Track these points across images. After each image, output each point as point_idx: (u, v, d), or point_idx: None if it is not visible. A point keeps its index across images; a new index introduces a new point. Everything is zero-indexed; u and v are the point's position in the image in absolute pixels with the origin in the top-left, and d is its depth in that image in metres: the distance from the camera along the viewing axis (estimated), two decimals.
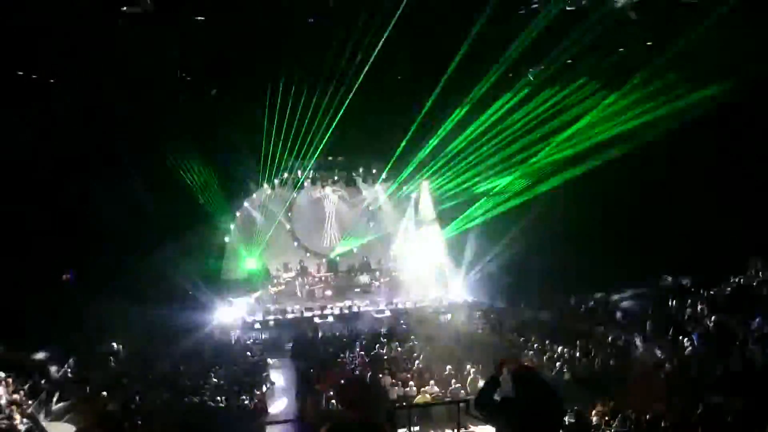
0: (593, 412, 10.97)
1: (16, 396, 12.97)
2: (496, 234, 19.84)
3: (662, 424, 9.82)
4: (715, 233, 16.32)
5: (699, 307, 15.98)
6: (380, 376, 13.58)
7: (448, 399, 12.19)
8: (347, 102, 16.51)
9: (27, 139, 15.29)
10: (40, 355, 15.19)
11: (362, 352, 15.46)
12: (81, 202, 16.63)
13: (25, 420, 12.03)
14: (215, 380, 13.90)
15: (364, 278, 22.48)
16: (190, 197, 19.02)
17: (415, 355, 15.11)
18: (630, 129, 17.29)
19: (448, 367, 14.16)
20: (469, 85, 16.59)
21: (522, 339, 15.80)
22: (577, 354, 14.36)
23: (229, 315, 19.58)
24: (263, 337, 18.65)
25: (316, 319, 19.32)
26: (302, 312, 19.68)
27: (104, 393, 13.13)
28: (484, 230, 20.55)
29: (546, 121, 17.88)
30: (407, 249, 23.50)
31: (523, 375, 3.64)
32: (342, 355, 15.31)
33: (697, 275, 17.39)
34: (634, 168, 17.36)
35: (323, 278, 22.33)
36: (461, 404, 9.88)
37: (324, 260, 23.22)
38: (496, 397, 3.75)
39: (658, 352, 14.34)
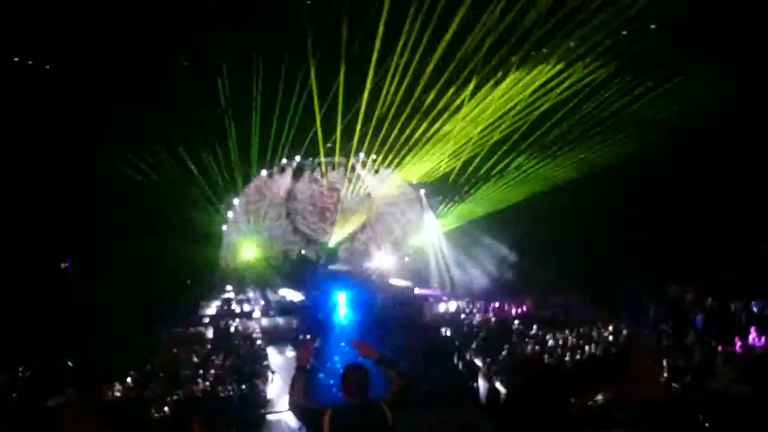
0: (596, 398, 10.95)
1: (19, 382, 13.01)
2: (500, 226, 19.70)
3: (663, 410, 9.79)
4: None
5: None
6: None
7: None
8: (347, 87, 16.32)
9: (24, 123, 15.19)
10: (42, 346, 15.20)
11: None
12: (76, 191, 16.49)
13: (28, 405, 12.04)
14: (215, 370, 13.86)
15: (363, 266, 22.38)
16: (186, 184, 18.88)
17: (417, 342, 15.07)
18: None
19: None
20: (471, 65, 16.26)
21: (523, 326, 15.74)
22: (580, 341, 14.32)
23: (229, 304, 19.53)
24: (264, 325, 18.59)
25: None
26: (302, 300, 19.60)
27: (104, 384, 13.12)
28: (486, 222, 20.39)
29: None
30: (409, 238, 23.40)
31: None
32: (342, 343, 15.26)
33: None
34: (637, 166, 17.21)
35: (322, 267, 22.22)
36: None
37: (323, 248, 23.09)
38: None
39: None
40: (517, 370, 3.62)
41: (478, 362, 14.02)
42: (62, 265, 17.84)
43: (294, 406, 3.55)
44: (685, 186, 17.48)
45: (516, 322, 16.28)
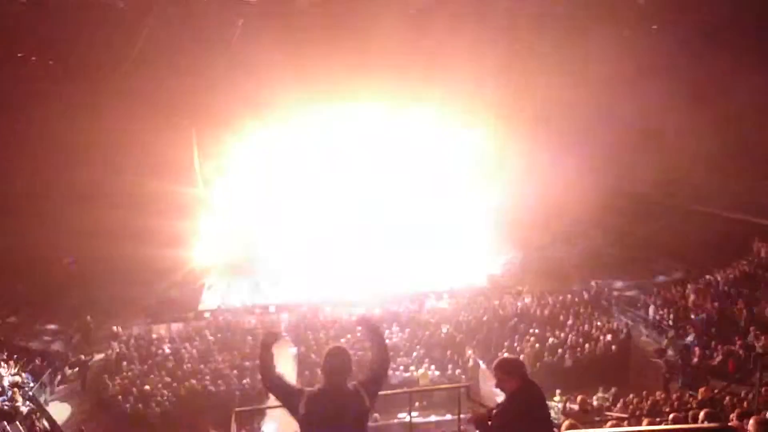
0: (594, 398, 10.95)
1: (18, 378, 13.04)
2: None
3: (662, 410, 9.80)
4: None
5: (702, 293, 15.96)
6: None
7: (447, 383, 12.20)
8: None
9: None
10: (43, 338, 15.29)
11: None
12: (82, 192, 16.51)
13: (27, 402, 12.07)
14: (215, 364, 13.88)
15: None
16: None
17: (416, 340, 15.07)
18: None
19: (448, 351, 14.16)
20: None
21: (523, 325, 15.71)
22: (580, 340, 14.31)
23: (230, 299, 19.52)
24: (264, 320, 18.56)
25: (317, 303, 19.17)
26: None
27: (105, 376, 13.16)
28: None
29: None
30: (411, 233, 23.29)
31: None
32: (342, 339, 15.26)
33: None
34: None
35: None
36: (462, 389, 9.87)
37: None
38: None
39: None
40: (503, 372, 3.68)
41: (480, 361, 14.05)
42: (66, 261, 17.93)
43: (272, 385, 3.52)
44: (687, 188, 17.54)
45: (515, 320, 16.26)
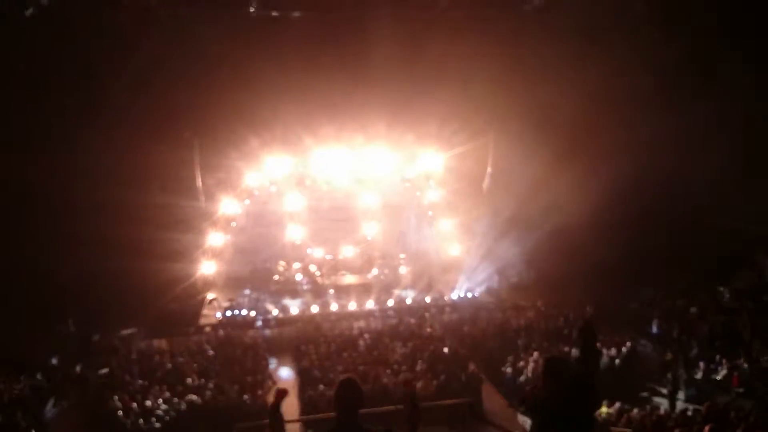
0: (599, 413, 10.85)
1: (17, 392, 12.98)
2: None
3: (667, 425, 9.72)
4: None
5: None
6: (383, 375, 13.50)
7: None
8: None
9: None
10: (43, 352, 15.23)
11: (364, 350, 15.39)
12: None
13: (27, 417, 12.00)
14: (216, 379, 13.81)
15: (367, 275, 22.24)
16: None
17: (419, 354, 14.98)
18: None
19: (451, 366, 14.07)
20: None
21: (527, 339, 15.63)
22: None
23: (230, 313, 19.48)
24: (265, 334, 18.51)
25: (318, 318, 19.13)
26: (304, 311, 19.51)
27: (105, 391, 13.09)
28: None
29: None
30: (415, 242, 23.23)
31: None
32: (344, 354, 15.20)
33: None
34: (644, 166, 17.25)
35: (327, 274, 22.12)
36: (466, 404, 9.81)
37: (328, 256, 22.94)
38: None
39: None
40: (549, 375, 3.65)
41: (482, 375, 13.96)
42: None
43: None
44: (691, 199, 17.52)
45: (520, 334, 16.17)
